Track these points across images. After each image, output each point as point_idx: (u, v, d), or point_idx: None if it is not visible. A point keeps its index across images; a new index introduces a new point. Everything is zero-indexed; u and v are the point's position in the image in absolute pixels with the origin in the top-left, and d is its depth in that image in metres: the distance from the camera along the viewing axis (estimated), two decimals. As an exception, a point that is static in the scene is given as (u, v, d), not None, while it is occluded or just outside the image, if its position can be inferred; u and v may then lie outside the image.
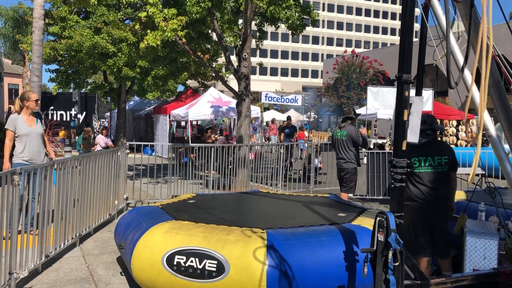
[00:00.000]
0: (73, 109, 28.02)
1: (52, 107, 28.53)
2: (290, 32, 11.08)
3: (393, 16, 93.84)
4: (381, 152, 11.13)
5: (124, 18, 21.51)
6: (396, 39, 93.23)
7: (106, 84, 23.24)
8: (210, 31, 14.45)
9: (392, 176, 3.27)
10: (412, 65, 3.45)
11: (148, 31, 9.39)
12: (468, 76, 3.86)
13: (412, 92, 4.11)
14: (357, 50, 46.22)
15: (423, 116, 4.58)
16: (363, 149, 9.56)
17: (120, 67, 20.44)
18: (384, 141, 23.08)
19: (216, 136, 19.00)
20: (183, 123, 24.48)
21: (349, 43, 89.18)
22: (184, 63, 21.72)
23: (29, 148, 6.07)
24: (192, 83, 26.88)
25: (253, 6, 10.20)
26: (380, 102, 18.64)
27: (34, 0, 11.37)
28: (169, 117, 21.36)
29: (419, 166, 4.50)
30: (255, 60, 13.94)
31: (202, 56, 12.13)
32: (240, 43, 11.20)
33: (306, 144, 18.23)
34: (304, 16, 10.79)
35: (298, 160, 18.12)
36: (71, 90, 26.33)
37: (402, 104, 3.25)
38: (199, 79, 24.61)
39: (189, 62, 21.48)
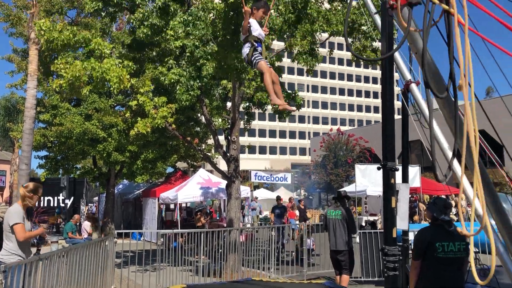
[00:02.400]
0: (61, 194, 27.71)
1: (39, 193, 28.12)
2: (277, 115, 11.45)
3: (375, 95, 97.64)
4: (373, 232, 11.05)
5: (115, 104, 22.10)
6: (380, 116, 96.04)
7: (95, 169, 23.26)
8: (199, 115, 14.84)
9: (385, 264, 3.23)
10: (396, 142, 3.56)
11: (139, 118, 9.64)
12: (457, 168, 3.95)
13: (399, 176, 4.19)
14: (343, 128, 47.45)
15: (446, 203, 4.66)
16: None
17: (109, 152, 20.59)
18: (376, 218, 22.94)
19: (206, 219, 18.74)
20: (172, 206, 24.21)
21: (334, 121, 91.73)
22: (173, 145, 22.00)
23: (27, 245, 5.65)
24: (181, 164, 27.01)
25: (240, 92, 10.62)
26: (368, 179, 18.81)
27: (27, 90, 11.72)
28: (158, 200, 21.16)
29: (442, 251, 4.48)
30: (243, 139, 14.20)
31: (191, 140, 12.35)
32: (229, 126, 11.49)
33: (297, 224, 18.03)
34: (290, 102, 11.23)
35: (290, 241, 17.80)
36: (59, 176, 26.23)
37: (389, 191, 3.31)
38: (189, 161, 24.77)
39: (179, 144, 21.77)
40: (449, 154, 4.17)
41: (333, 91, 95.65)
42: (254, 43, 5.07)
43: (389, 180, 3.33)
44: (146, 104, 9.42)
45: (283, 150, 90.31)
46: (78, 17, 23.73)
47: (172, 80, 9.74)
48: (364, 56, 10.48)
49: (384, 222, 3.29)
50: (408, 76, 5.24)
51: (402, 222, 3.31)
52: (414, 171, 17.88)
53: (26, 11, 19.16)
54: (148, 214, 22.21)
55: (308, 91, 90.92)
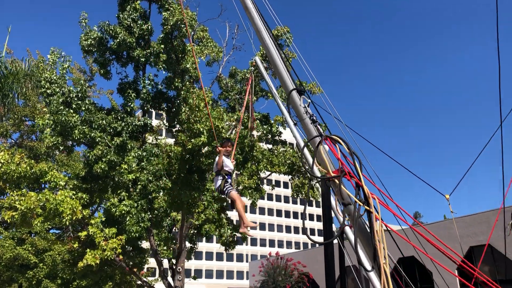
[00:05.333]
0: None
1: None
2: (223, 248, 11.91)
3: (311, 217, 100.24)
4: None
5: (50, 227, 21.46)
6: (315, 239, 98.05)
7: (20, 299, 21.54)
8: (143, 243, 14.88)
9: None
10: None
11: (88, 250, 9.73)
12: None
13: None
14: (280, 250, 47.64)
15: None
16: None
17: (40, 279, 19.50)
18: None
19: None
20: None
21: (272, 243, 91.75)
22: (108, 273, 21.21)
23: None
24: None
25: (188, 223, 11.13)
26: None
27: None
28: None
29: None
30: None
31: (138, 271, 12.32)
32: (175, 256, 11.72)
33: None
34: (236, 234, 11.84)
35: None
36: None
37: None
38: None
39: (115, 271, 21.03)
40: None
41: (270, 212, 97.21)
42: (226, 176, 6.09)
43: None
44: (97, 236, 9.62)
45: (219, 274, 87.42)
46: (21, 139, 23.98)
47: (123, 212, 10.14)
48: (303, 192, 11.57)
49: None
50: (341, 219, 6.22)
51: None
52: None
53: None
54: None
55: (246, 211, 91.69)
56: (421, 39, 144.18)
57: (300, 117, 4.10)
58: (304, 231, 3.78)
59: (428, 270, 24.00)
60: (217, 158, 6.27)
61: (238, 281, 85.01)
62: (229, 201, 6.40)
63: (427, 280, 25.55)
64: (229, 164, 6.29)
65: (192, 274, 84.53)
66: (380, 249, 3.46)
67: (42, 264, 19.33)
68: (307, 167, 3.55)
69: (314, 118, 3.98)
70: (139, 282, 22.65)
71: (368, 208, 3.32)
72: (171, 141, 12.13)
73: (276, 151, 11.40)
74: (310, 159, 5.36)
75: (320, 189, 5.48)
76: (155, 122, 19.61)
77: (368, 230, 4.32)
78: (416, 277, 26.21)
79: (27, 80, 13.44)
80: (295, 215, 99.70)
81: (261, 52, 12.38)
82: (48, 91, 10.66)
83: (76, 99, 10.55)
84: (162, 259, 11.73)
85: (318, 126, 3.96)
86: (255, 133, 12.20)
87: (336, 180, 3.69)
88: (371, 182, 3.75)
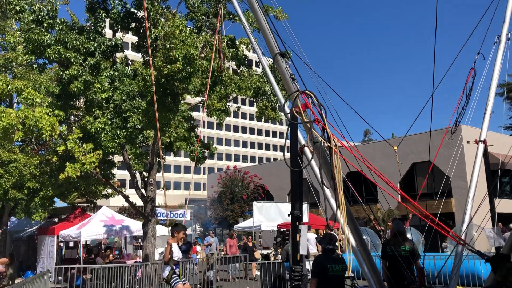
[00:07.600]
0: None
1: None
2: (193, 163, 12.97)
3: (267, 133, 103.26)
4: (272, 262, 12.93)
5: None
6: (270, 153, 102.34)
7: (-13, 207, 22.23)
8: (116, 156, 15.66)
9: (291, 277, 4.98)
10: (286, 179, 5.38)
11: (67, 163, 10.49)
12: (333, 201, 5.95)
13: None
14: (237, 164, 49.96)
15: (331, 236, 6.45)
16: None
17: (6, 189, 20.11)
18: (269, 251, 25.06)
19: (114, 255, 19.17)
20: (71, 244, 23.82)
21: (228, 157, 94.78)
22: (75, 182, 22.02)
23: None
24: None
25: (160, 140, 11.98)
26: (264, 215, 20.93)
27: None
28: (57, 238, 20.89)
29: (331, 271, 6.07)
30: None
31: (113, 183, 13.30)
32: (147, 170, 12.70)
33: (198, 258, 19.34)
34: (205, 150, 12.87)
35: (194, 276, 18.93)
36: None
37: (295, 230, 5.11)
38: (88, 197, 24.74)
39: (79, 181, 21.87)
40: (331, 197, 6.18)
41: (227, 128, 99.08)
42: (173, 266, 6.55)
43: (295, 224, 5.14)
44: (75, 150, 10.34)
45: (177, 185, 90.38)
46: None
47: (98, 129, 10.82)
48: (265, 113, 12.55)
49: (292, 250, 5.08)
50: (303, 142, 7.30)
51: (302, 250, 5.12)
52: (303, 207, 20.39)
53: None
54: (45, 253, 21.66)
55: (204, 127, 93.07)
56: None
57: (282, 76, 4.95)
58: (286, 162, 4.82)
59: (373, 183, 26.50)
60: (165, 250, 6.59)
61: (196, 192, 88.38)
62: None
63: (371, 192, 28.27)
64: (177, 253, 6.67)
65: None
66: (338, 172, 4.60)
67: (8, 174, 19.82)
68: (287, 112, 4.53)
69: (293, 76, 4.87)
70: (104, 192, 23.84)
71: (329, 144, 4.41)
72: (137, 56, 12.45)
73: (242, 75, 12.15)
74: (282, 100, 6.25)
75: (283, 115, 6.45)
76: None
77: (329, 159, 5.43)
78: (362, 190, 28.86)
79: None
80: (252, 131, 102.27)
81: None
82: (17, 7, 10.60)
83: (47, 17, 10.61)
84: (135, 172, 12.70)
85: (296, 84, 4.88)
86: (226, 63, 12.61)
87: (308, 125, 4.77)
88: (332, 126, 4.84)
